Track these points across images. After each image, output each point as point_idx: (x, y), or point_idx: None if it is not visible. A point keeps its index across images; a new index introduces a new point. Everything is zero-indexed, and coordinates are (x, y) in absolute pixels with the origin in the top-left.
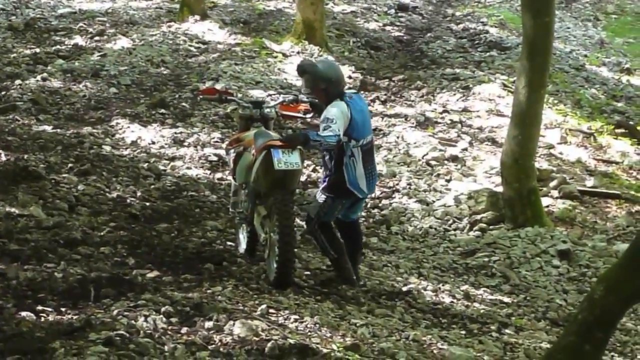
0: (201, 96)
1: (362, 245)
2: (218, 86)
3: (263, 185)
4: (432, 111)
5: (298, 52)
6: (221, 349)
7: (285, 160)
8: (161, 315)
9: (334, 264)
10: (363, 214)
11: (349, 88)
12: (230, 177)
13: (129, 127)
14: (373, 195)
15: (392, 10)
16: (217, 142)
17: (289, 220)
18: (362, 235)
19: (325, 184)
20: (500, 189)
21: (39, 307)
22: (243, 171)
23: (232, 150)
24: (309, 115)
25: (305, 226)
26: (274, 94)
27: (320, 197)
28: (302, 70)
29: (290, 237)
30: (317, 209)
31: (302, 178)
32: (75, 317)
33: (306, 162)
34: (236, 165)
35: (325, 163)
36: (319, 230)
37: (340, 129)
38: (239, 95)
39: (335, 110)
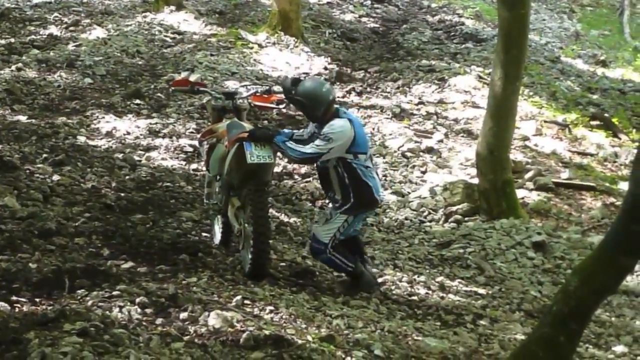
0: (173, 88)
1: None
2: (192, 77)
3: (236, 178)
4: (408, 103)
5: (274, 43)
6: (196, 340)
7: (258, 153)
8: (136, 306)
9: (353, 275)
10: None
11: (325, 80)
12: (204, 169)
13: (104, 117)
14: None
15: (368, 2)
16: (192, 132)
17: (263, 211)
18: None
19: (346, 206)
20: (475, 180)
21: (13, 298)
22: (216, 163)
23: (205, 142)
24: (282, 106)
25: (312, 254)
26: (248, 85)
27: (339, 219)
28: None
29: (265, 228)
30: (333, 232)
31: (278, 169)
32: (49, 307)
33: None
34: (209, 157)
35: (337, 186)
36: (332, 252)
37: (332, 151)
38: (213, 86)
39: (338, 130)
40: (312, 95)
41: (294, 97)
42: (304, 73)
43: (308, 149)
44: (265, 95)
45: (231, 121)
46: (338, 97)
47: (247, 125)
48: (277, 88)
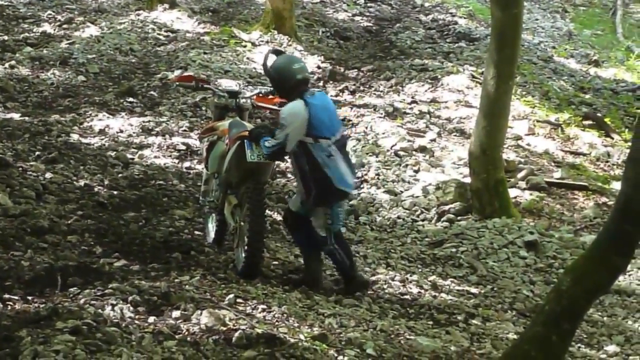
0: (177, 82)
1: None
2: (193, 73)
3: (235, 176)
4: (401, 102)
5: (267, 42)
6: (188, 339)
7: (258, 152)
8: (128, 304)
9: (347, 274)
10: None
11: (319, 79)
12: (201, 166)
13: (97, 115)
14: None
15: (361, 1)
16: (185, 131)
17: (260, 209)
18: (347, 247)
19: (311, 197)
20: (468, 179)
21: (6, 296)
22: (215, 160)
23: (205, 139)
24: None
25: (321, 246)
26: (250, 85)
27: (318, 211)
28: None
29: (261, 227)
30: (323, 224)
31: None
32: (42, 305)
33: None
34: (209, 154)
35: (298, 176)
36: (337, 246)
37: (289, 137)
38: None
39: (288, 113)
40: (280, 70)
41: (267, 69)
42: None
43: (269, 142)
44: (269, 97)
45: (233, 120)
46: (331, 95)
47: (249, 125)
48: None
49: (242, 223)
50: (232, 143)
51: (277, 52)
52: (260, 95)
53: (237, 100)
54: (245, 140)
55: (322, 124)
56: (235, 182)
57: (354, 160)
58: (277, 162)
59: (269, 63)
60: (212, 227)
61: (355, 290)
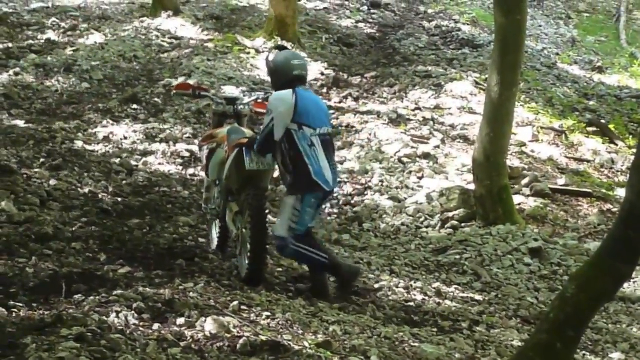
0: (175, 91)
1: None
2: (192, 81)
3: (235, 183)
4: (405, 108)
5: (270, 49)
6: (193, 346)
7: (257, 159)
8: (133, 312)
9: (328, 269)
10: (335, 210)
11: (322, 85)
12: (203, 173)
13: (101, 122)
14: (345, 192)
15: (365, 7)
16: (189, 137)
17: (261, 216)
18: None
19: (288, 183)
20: (472, 186)
21: (10, 303)
22: (216, 168)
23: (205, 147)
24: None
25: (279, 252)
26: (247, 91)
27: (287, 204)
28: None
29: (262, 234)
30: (286, 222)
31: (274, 174)
32: (46, 312)
33: None
34: (209, 162)
35: (281, 163)
36: (300, 245)
37: (275, 122)
38: (214, 91)
39: (274, 98)
40: (279, 64)
41: (268, 62)
42: None
43: (265, 128)
44: (266, 102)
45: (232, 127)
46: (334, 102)
47: (248, 131)
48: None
49: (244, 230)
50: (232, 150)
51: (281, 48)
52: (259, 101)
53: (236, 106)
54: (244, 148)
55: (308, 113)
56: (235, 189)
57: (356, 166)
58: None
59: (272, 57)
60: (215, 234)
61: (348, 280)
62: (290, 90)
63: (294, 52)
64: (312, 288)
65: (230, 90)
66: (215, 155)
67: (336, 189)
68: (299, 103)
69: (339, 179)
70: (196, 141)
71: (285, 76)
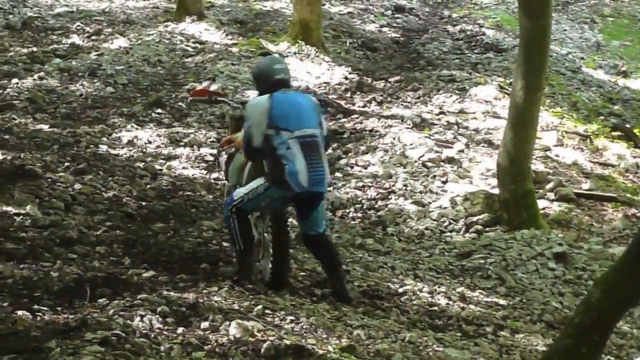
0: (191, 98)
1: (340, 262)
2: (213, 87)
3: None
4: (429, 112)
5: (295, 53)
6: (217, 350)
7: None
8: (157, 315)
9: (238, 258)
10: (359, 215)
11: (346, 90)
12: (223, 178)
13: (125, 126)
14: (369, 196)
15: (389, 12)
16: (213, 142)
17: (282, 220)
18: (334, 250)
19: (265, 171)
20: (496, 190)
21: (35, 306)
22: (235, 172)
23: (224, 152)
24: None
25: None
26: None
27: (256, 182)
28: None
29: (284, 237)
30: (244, 192)
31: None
32: (71, 316)
33: None
34: (228, 167)
35: (266, 165)
36: (234, 214)
37: (252, 129)
38: (234, 96)
39: (249, 105)
40: (261, 69)
41: (252, 69)
42: (324, 82)
43: (245, 134)
44: None
45: None
46: (358, 106)
47: None
48: None
49: (265, 234)
50: None
51: (265, 54)
52: None
53: None
54: None
55: (285, 117)
56: None
57: (380, 171)
58: None
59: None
60: None
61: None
62: (267, 96)
63: (276, 57)
64: (333, 292)
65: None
66: (235, 160)
67: (324, 190)
68: (274, 108)
69: (327, 180)
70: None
71: (267, 81)
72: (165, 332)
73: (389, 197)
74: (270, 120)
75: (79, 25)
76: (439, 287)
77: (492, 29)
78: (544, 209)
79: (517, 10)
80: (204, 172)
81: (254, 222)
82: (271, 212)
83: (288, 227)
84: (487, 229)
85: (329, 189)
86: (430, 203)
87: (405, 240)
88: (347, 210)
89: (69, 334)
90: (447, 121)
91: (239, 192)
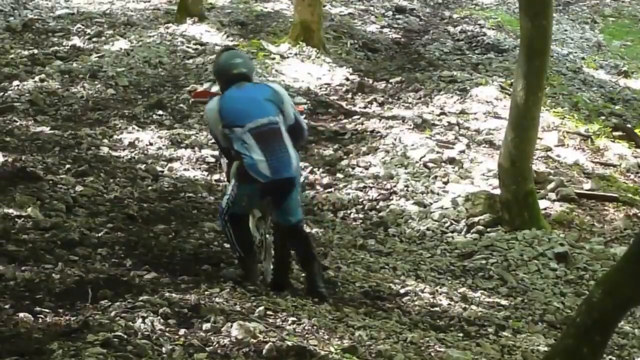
0: (193, 99)
1: (315, 255)
2: (214, 88)
3: None
4: (430, 113)
5: (295, 54)
6: (219, 351)
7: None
8: (159, 317)
9: (240, 264)
10: (360, 215)
11: (347, 91)
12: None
13: (126, 128)
14: (370, 197)
15: (390, 13)
16: (214, 143)
17: None
18: (309, 242)
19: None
20: (497, 191)
21: (37, 308)
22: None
23: None
24: (302, 117)
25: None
26: None
27: (230, 184)
28: None
29: (286, 239)
30: (227, 197)
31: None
32: (72, 318)
33: (303, 164)
34: (230, 168)
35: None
36: (228, 222)
37: (214, 131)
38: None
39: (206, 110)
40: (220, 65)
41: (213, 65)
42: (325, 84)
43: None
44: None
45: None
46: (359, 107)
47: None
48: (298, 99)
49: (267, 236)
50: None
51: (227, 49)
52: None
53: None
54: None
55: (235, 113)
56: None
57: (381, 171)
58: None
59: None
60: None
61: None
62: (218, 97)
63: (235, 51)
64: (307, 288)
65: None
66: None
67: (297, 174)
68: (222, 108)
69: (294, 165)
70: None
71: (226, 76)
72: (167, 334)
73: (390, 197)
74: (223, 121)
75: (79, 27)
76: (440, 288)
77: (493, 29)
78: (545, 209)
79: (517, 10)
80: (206, 173)
81: (256, 224)
82: (272, 213)
83: None
84: (488, 229)
85: (300, 174)
86: (431, 204)
87: (406, 241)
88: (349, 211)
89: (70, 336)
90: (448, 122)
91: (224, 200)
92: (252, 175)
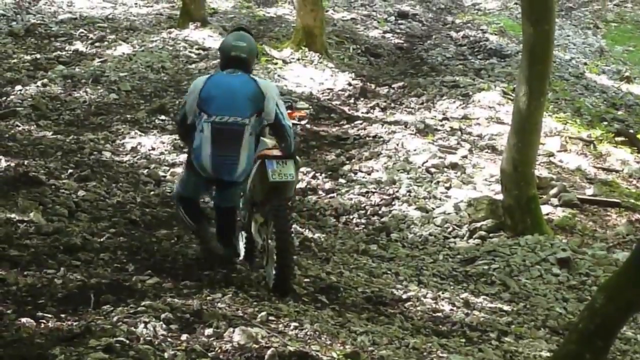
0: None
1: (231, 238)
2: None
3: (259, 195)
4: (432, 118)
5: (298, 59)
6: (221, 356)
7: (280, 171)
8: (161, 322)
9: (196, 235)
10: (362, 221)
11: (349, 96)
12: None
13: (129, 133)
14: (373, 202)
15: (392, 18)
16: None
17: (285, 227)
18: (232, 224)
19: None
20: (500, 196)
21: (39, 313)
22: None
23: None
24: (304, 122)
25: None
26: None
27: (184, 171)
28: None
29: (288, 244)
30: (179, 182)
31: (302, 185)
32: (75, 323)
33: (305, 169)
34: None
35: None
36: (180, 204)
37: (186, 106)
38: None
39: (192, 83)
40: (223, 44)
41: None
42: (327, 89)
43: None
44: (288, 112)
45: None
46: (362, 112)
47: (270, 142)
48: (300, 104)
49: (269, 241)
50: (254, 162)
51: (239, 29)
52: None
53: None
54: (266, 160)
55: (211, 100)
56: (260, 201)
57: (384, 177)
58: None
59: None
60: (242, 245)
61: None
62: (206, 76)
63: (243, 34)
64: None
65: None
66: None
67: (240, 179)
68: (204, 89)
69: (238, 171)
70: None
71: (224, 57)
72: (169, 339)
73: (393, 203)
74: (199, 100)
75: (82, 32)
76: (443, 293)
77: (496, 34)
78: (547, 214)
79: (520, 16)
80: None
81: (258, 229)
82: (275, 219)
83: (292, 234)
84: (491, 234)
85: (243, 179)
86: (434, 209)
87: (409, 246)
88: (351, 217)
89: (73, 341)
90: (451, 127)
91: (178, 182)
92: (195, 166)
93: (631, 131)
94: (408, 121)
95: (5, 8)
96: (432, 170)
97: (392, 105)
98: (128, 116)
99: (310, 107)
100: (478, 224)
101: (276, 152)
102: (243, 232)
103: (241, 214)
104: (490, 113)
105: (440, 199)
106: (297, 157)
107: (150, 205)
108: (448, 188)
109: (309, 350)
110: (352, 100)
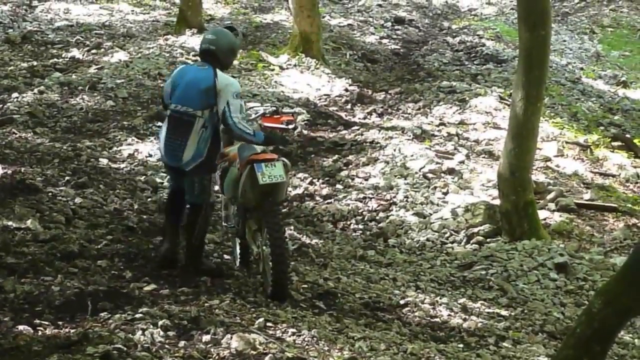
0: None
1: (203, 239)
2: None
3: (251, 200)
4: (429, 124)
5: (295, 65)
6: None
7: (269, 174)
8: (158, 329)
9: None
10: (360, 226)
11: (346, 101)
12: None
13: (126, 139)
14: (370, 207)
15: (389, 24)
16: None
17: (279, 232)
18: (206, 225)
19: None
20: (497, 201)
21: (36, 321)
22: (230, 186)
23: (217, 165)
24: (291, 126)
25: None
26: (255, 107)
27: None
28: None
29: (282, 250)
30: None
31: (300, 191)
32: (72, 330)
33: (303, 175)
34: (223, 181)
35: None
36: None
37: (164, 90)
38: None
39: (173, 71)
40: (204, 38)
41: None
42: (324, 94)
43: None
44: (275, 116)
45: (242, 144)
46: (359, 118)
47: (258, 147)
48: (287, 109)
49: (264, 247)
50: (244, 167)
51: (225, 27)
52: (266, 115)
53: None
54: (255, 164)
55: (174, 88)
56: (252, 206)
57: (381, 182)
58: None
59: None
60: (238, 251)
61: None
62: (182, 66)
63: (219, 29)
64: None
65: (253, 107)
66: (229, 173)
67: (187, 166)
68: (173, 77)
69: (185, 159)
70: None
71: (200, 48)
72: (166, 346)
73: (390, 208)
74: (170, 87)
75: (79, 39)
76: (440, 299)
77: (492, 40)
78: (545, 219)
79: (516, 21)
80: None
81: (252, 236)
82: (268, 225)
83: (286, 240)
84: (488, 239)
85: (193, 167)
86: (431, 214)
87: (406, 252)
88: (348, 222)
89: (70, 348)
90: (448, 132)
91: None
92: (159, 151)
93: (628, 136)
94: (405, 127)
95: (2, 15)
96: (430, 175)
97: (389, 110)
98: (125, 123)
99: (296, 112)
100: (475, 229)
101: (265, 156)
102: (237, 239)
103: (235, 221)
104: (487, 118)
105: (437, 205)
106: (285, 159)
107: (148, 212)
108: (445, 193)
109: (307, 356)
110: (349, 106)
